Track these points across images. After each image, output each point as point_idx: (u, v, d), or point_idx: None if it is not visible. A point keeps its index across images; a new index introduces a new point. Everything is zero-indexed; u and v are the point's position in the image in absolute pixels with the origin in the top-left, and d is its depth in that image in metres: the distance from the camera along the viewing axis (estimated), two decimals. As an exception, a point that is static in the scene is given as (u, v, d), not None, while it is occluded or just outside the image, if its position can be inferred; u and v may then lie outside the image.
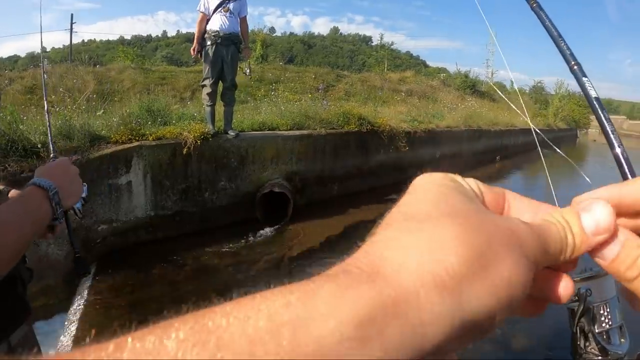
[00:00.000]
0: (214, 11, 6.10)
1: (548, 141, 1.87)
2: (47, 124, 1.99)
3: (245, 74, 6.68)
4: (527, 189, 12.26)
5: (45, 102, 2.04)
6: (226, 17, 6.13)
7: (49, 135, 1.91)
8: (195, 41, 6.23)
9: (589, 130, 39.77)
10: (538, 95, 34.36)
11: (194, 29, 6.36)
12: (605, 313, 1.06)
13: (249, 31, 6.83)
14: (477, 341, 0.28)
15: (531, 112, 25.52)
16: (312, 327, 0.22)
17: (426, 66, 74.02)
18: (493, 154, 15.74)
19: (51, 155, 1.59)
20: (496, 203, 0.38)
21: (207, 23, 6.15)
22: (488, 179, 11.33)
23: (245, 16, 6.47)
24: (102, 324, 3.89)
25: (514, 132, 18.27)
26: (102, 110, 6.37)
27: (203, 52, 6.23)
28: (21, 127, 4.92)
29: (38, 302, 4.62)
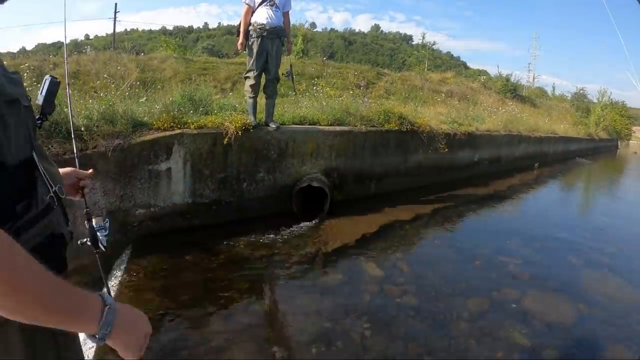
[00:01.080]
0: (260, 4, 6.10)
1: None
2: (69, 104, 2.17)
3: (286, 76, 6.62)
4: (563, 198, 12.03)
5: (67, 87, 2.17)
6: (272, 10, 6.13)
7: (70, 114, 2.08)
8: (241, 35, 6.22)
9: (630, 142, 38.77)
10: (580, 103, 33.54)
11: (235, 22, 6.39)
12: None
13: (291, 25, 6.80)
14: None
15: (572, 120, 25.01)
16: None
17: (467, 67, 73.21)
18: (532, 161, 15.44)
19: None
20: None
21: (251, 16, 6.15)
22: (525, 186, 11.17)
23: (289, 11, 6.46)
24: (134, 306, 3.90)
25: (553, 139, 17.87)
26: (145, 98, 6.41)
27: (247, 45, 6.24)
28: (65, 110, 4.99)
29: (72, 280, 4.69)
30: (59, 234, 1.23)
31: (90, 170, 1.80)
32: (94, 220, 1.87)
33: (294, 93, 7.46)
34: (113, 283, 4.38)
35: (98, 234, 1.84)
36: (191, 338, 3.59)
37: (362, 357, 3.55)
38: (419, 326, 4.09)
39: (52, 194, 1.21)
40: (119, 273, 4.56)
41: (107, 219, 1.89)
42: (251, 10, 6.14)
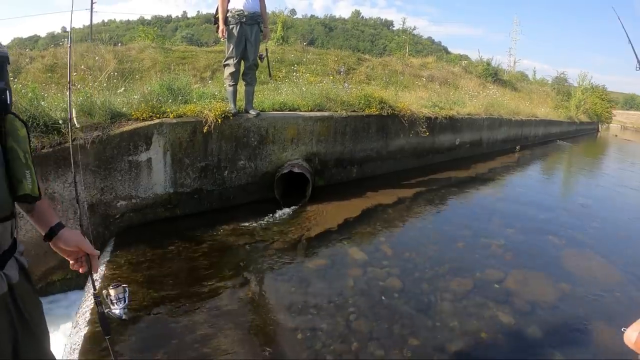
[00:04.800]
0: None
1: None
2: (69, 103, 2.09)
3: (260, 60, 6.53)
4: (544, 180, 12.12)
5: (69, 81, 2.10)
6: None
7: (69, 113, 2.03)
8: (221, 22, 6.10)
9: (611, 125, 39.23)
10: (561, 87, 33.81)
11: (214, 10, 6.30)
12: None
13: (270, 12, 6.72)
14: None
15: (553, 103, 25.20)
16: None
17: (448, 52, 73.20)
18: (513, 144, 15.57)
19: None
20: None
21: (228, 2, 6.09)
22: (507, 169, 11.26)
23: None
24: (119, 298, 3.90)
25: (534, 122, 18.02)
26: (123, 88, 6.35)
27: (227, 32, 6.16)
28: (42, 103, 4.93)
29: (56, 276, 4.69)
30: None
31: (98, 252, 1.75)
32: (112, 292, 1.85)
33: (269, 78, 7.38)
34: (97, 277, 4.36)
35: (117, 309, 1.91)
36: (177, 328, 3.58)
37: (348, 340, 3.57)
38: (403, 308, 4.13)
39: None
40: (102, 266, 4.52)
41: (124, 288, 1.86)
42: None
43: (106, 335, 1.78)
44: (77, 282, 4.73)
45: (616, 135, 34.29)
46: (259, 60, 6.45)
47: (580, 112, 27.44)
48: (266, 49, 6.58)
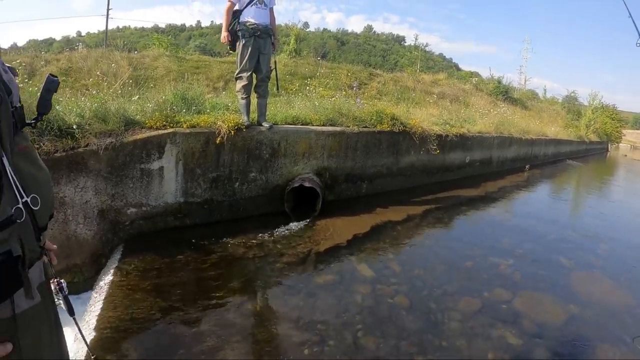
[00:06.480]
0: (249, 3, 6.09)
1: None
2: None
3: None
4: (554, 199, 12.05)
5: None
6: (261, 8, 6.14)
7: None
8: (224, 30, 6.20)
9: (620, 144, 39.09)
10: (571, 106, 33.76)
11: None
12: None
13: (284, 25, 6.80)
14: None
15: (563, 122, 25.14)
16: None
17: (459, 69, 73.32)
18: (523, 162, 15.53)
19: None
20: None
21: (240, 15, 6.14)
22: (517, 188, 11.20)
23: (273, 7, 6.45)
24: (126, 306, 3.91)
25: (544, 141, 17.98)
26: (138, 96, 6.38)
27: (240, 45, 6.21)
28: (57, 107, 4.96)
29: (64, 279, 4.67)
30: (15, 255, 1.10)
31: (55, 247, 1.73)
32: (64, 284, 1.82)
33: (277, 91, 7.39)
34: (105, 283, 4.36)
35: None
36: (184, 338, 3.57)
37: (355, 357, 3.55)
38: (411, 326, 4.10)
39: (20, 205, 1.13)
40: (110, 273, 4.53)
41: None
42: (233, 8, 6.13)
43: (71, 315, 1.79)
44: (84, 286, 4.73)
45: (626, 155, 34.11)
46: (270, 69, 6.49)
47: (590, 131, 27.35)
48: (275, 62, 6.62)
